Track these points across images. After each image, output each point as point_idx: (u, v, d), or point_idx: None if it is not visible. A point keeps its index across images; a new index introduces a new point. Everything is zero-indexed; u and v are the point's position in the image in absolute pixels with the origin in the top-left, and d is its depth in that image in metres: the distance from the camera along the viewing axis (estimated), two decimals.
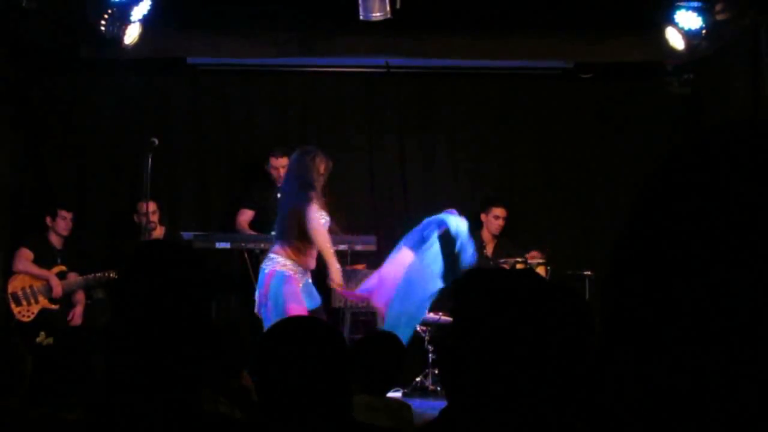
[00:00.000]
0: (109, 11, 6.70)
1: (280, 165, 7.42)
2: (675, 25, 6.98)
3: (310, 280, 5.92)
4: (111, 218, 7.86)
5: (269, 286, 5.71)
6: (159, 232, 7.26)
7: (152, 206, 7.18)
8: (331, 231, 5.91)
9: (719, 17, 6.74)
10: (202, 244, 6.90)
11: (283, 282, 5.68)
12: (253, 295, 6.96)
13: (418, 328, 7.24)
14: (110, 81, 7.62)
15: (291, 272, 5.73)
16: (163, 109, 8.01)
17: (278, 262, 5.74)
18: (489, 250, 7.62)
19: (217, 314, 7.05)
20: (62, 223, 7.26)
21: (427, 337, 7.16)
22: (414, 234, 6.05)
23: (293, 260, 5.74)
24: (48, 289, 7.12)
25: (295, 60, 7.84)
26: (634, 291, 0.75)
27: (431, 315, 7.18)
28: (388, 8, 6.50)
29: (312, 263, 5.87)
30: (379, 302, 5.96)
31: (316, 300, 5.93)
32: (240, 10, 7.17)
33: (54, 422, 2.62)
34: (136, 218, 7.14)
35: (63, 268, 7.23)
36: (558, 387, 1.46)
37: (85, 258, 7.50)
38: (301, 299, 5.71)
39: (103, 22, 6.69)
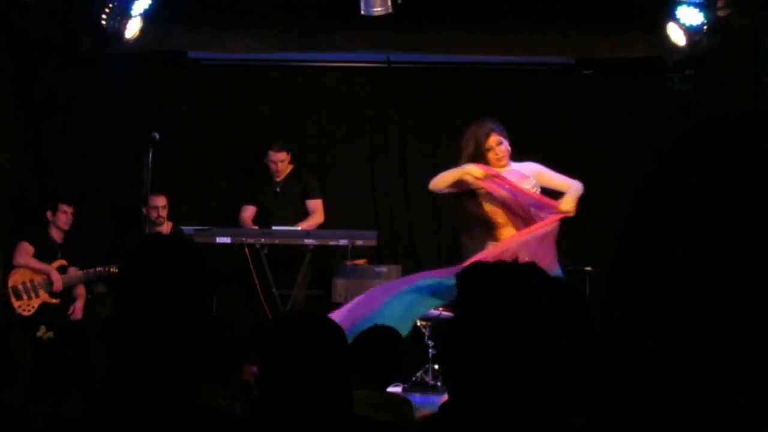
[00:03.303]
0: (110, 5, 6.69)
1: (278, 159, 7.39)
2: (676, 21, 6.96)
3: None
4: (112, 212, 7.86)
5: None
6: (165, 228, 7.25)
7: (162, 201, 7.18)
8: None
9: (721, 13, 6.73)
10: (203, 239, 6.89)
11: None
12: (254, 289, 6.96)
13: (418, 323, 7.24)
14: (111, 75, 7.62)
15: None
16: (164, 103, 8.00)
17: None
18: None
19: (218, 308, 7.05)
20: (63, 217, 7.26)
21: (427, 333, 7.16)
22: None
23: None
24: (48, 283, 7.12)
25: (296, 55, 7.83)
26: (633, 288, 0.75)
27: (431, 310, 7.17)
28: (389, 3, 6.50)
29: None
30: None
31: None
32: (241, 4, 7.16)
33: (54, 416, 2.63)
34: (145, 210, 7.09)
35: (64, 262, 7.23)
36: (558, 381, 1.46)
37: (85, 252, 7.50)
38: None
39: (104, 17, 6.69)
